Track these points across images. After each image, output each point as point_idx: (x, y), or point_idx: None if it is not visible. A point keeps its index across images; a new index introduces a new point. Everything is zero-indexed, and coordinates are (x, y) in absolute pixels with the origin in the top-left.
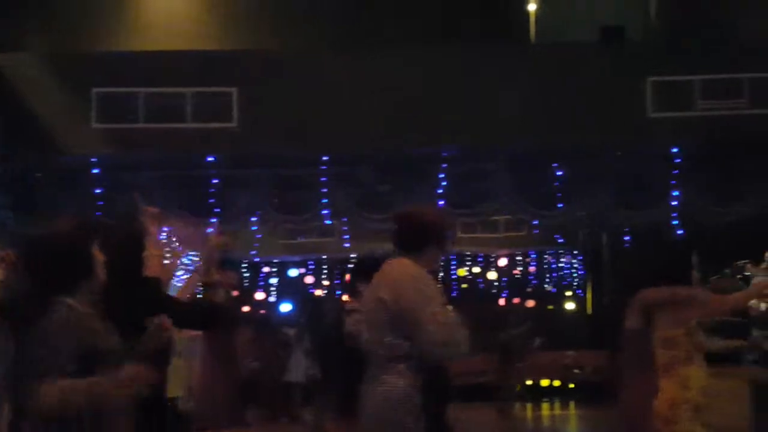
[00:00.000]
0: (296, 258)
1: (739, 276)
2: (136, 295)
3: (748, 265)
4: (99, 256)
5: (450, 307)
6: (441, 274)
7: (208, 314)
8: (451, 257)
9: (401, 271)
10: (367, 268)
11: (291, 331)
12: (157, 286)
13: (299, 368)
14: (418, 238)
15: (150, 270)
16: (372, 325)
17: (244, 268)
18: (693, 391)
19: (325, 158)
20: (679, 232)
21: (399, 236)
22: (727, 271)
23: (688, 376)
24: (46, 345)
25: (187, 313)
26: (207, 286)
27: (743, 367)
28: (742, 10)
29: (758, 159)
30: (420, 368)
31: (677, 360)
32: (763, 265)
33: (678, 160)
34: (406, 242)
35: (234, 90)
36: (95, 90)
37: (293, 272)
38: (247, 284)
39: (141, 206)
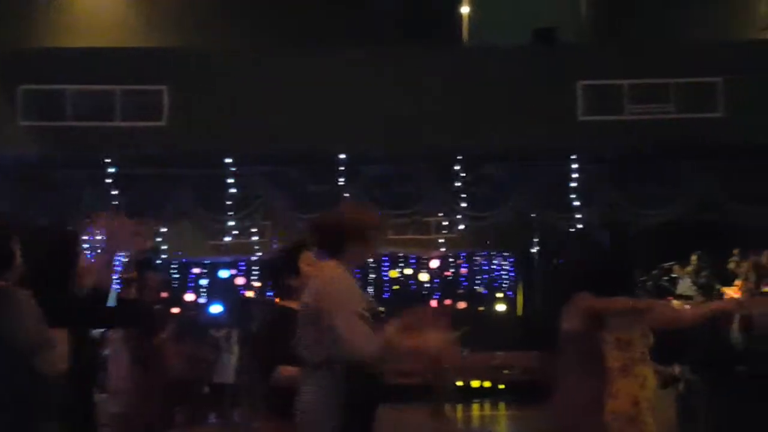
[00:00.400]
0: (227, 259)
1: (665, 278)
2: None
3: (675, 267)
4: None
5: (381, 308)
6: (373, 275)
7: (117, 312)
8: (383, 259)
9: (322, 274)
10: (282, 265)
11: (220, 333)
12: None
13: (228, 369)
14: (339, 238)
15: (101, 282)
16: (300, 328)
17: (174, 269)
18: (649, 390)
19: (256, 158)
20: (607, 234)
21: (320, 239)
22: (654, 272)
23: (644, 375)
24: None
25: (90, 311)
26: (124, 282)
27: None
28: (672, 17)
29: (684, 163)
30: (344, 373)
31: (633, 360)
32: (689, 268)
33: (607, 163)
34: (328, 245)
35: (164, 88)
36: (21, 87)
37: (224, 273)
38: (176, 285)
39: (93, 213)
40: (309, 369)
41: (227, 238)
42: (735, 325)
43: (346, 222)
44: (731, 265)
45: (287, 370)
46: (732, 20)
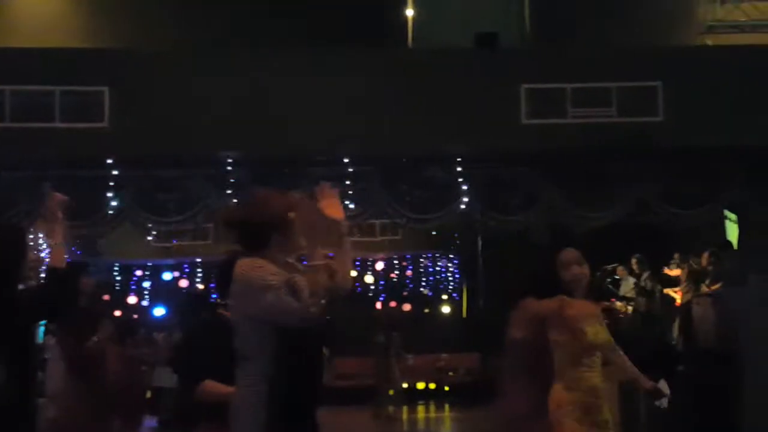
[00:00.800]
0: (170, 261)
1: (608, 280)
2: None
3: (619, 269)
4: None
5: (298, 277)
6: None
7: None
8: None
9: (237, 272)
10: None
11: (160, 336)
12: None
13: (168, 373)
14: (257, 231)
15: (55, 261)
16: (234, 325)
17: (116, 271)
18: (580, 393)
19: (198, 159)
20: (550, 235)
21: (238, 235)
22: (597, 274)
23: (574, 377)
24: None
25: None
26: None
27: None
28: (613, 22)
29: (626, 166)
30: (271, 372)
31: (564, 363)
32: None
33: (550, 166)
34: (248, 240)
35: (105, 89)
36: None
37: (167, 275)
38: (118, 288)
39: (49, 193)
40: (242, 367)
41: (173, 241)
42: (675, 326)
43: (262, 211)
44: (672, 267)
45: (212, 386)
46: (672, 25)
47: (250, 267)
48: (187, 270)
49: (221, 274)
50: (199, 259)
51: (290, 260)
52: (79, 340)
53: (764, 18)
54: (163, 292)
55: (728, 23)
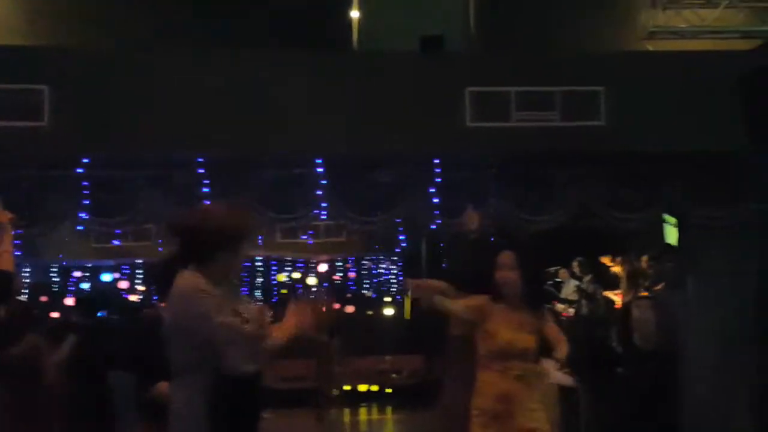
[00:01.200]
0: (110, 262)
1: (550, 282)
2: None
3: (561, 272)
4: None
5: (270, 313)
6: (260, 279)
7: None
8: (271, 263)
9: (179, 285)
10: (166, 270)
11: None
12: None
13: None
14: (206, 245)
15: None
16: (168, 336)
17: (53, 272)
18: (488, 398)
19: (139, 160)
20: (493, 239)
21: (183, 246)
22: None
23: (485, 381)
24: None
25: None
26: None
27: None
28: (557, 26)
29: (569, 170)
30: (212, 382)
31: (479, 365)
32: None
33: (495, 169)
34: (193, 252)
35: (45, 88)
36: None
37: (106, 277)
38: (56, 289)
39: None
40: (178, 374)
41: (112, 242)
42: (615, 329)
43: (215, 227)
44: (616, 269)
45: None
46: (615, 31)
47: (194, 288)
48: (127, 271)
49: (161, 276)
50: (140, 261)
51: (231, 283)
52: (3, 346)
53: (704, 25)
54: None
55: (669, 29)
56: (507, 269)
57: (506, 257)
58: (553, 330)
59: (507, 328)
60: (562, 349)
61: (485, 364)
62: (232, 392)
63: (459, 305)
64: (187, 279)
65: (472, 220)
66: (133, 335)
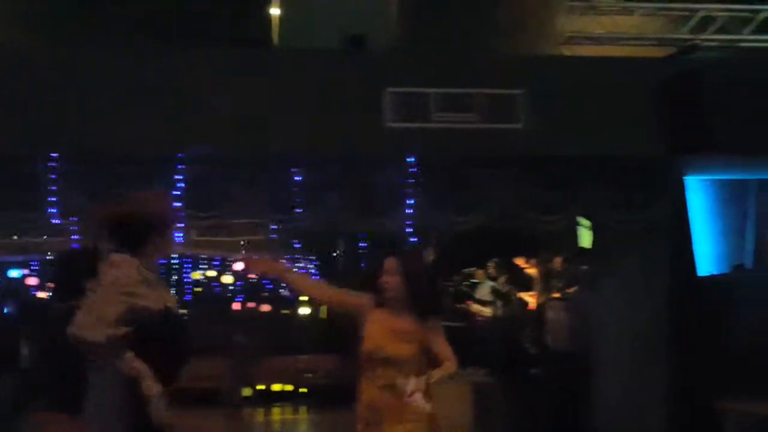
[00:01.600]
0: (18, 258)
1: (466, 283)
2: None
3: (478, 273)
4: None
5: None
6: (174, 277)
7: None
8: (185, 260)
9: (109, 273)
10: (78, 263)
11: None
12: None
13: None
14: (136, 231)
15: None
16: None
17: None
18: (359, 404)
19: (53, 156)
20: (413, 239)
21: (115, 232)
22: (457, 278)
23: (358, 387)
24: None
25: None
26: None
27: (467, 372)
28: (478, 29)
29: (488, 172)
30: (124, 381)
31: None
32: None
33: (413, 170)
34: (124, 238)
35: None
36: None
37: (14, 273)
38: None
39: None
40: (93, 377)
41: (22, 237)
42: (529, 330)
43: (144, 213)
44: (531, 270)
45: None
46: (534, 35)
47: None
48: (35, 267)
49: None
50: (50, 256)
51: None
52: None
53: (620, 30)
54: (8, 291)
55: (586, 35)
56: (388, 274)
57: (389, 263)
58: (442, 346)
59: (380, 334)
60: (446, 369)
61: (361, 368)
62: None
63: (324, 290)
64: (117, 264)
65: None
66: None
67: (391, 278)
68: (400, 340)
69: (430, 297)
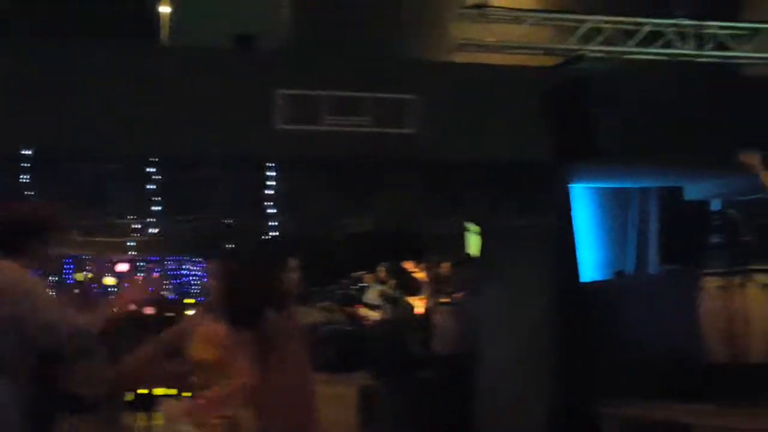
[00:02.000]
0: None
1: (354, 287)
2: None
3: (366, 276)
4: None
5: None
6: (55, 278)
7: None
8: (66, 261)
9: (2, 276)
10: None
11: None
12: None
13: None
14: (18, 236)
15: None
16: None
17: None
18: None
19: None
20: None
21: None
22: (345, 281)
23: None
24: None
25: None
26: None
27: (354, 374)
28: (371, 34)
29: (379, 175)
30: (26, 380)
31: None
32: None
33: (305, 172)
34: (5, 242)
35: None
36: None
37: None
38: None
39: None
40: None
41: None
42: (416, 334)
43: (27, 218)
44: (419, 274)
45: None
46: (427, 41)
47: (26, 278)
48: None
49: None
50: None
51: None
52: None
53: (510, 39)
54: None
55: (477, 42)
56: (211, 278)
57: (210, 265)
58: (239, 364)
59: (196, 339)
60: (231, 385)
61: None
62: (45, 394)
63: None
64: (10, 269)
65: None
66: None
67: (212, 282)
68: (213, 348)
69: (244, 306)
